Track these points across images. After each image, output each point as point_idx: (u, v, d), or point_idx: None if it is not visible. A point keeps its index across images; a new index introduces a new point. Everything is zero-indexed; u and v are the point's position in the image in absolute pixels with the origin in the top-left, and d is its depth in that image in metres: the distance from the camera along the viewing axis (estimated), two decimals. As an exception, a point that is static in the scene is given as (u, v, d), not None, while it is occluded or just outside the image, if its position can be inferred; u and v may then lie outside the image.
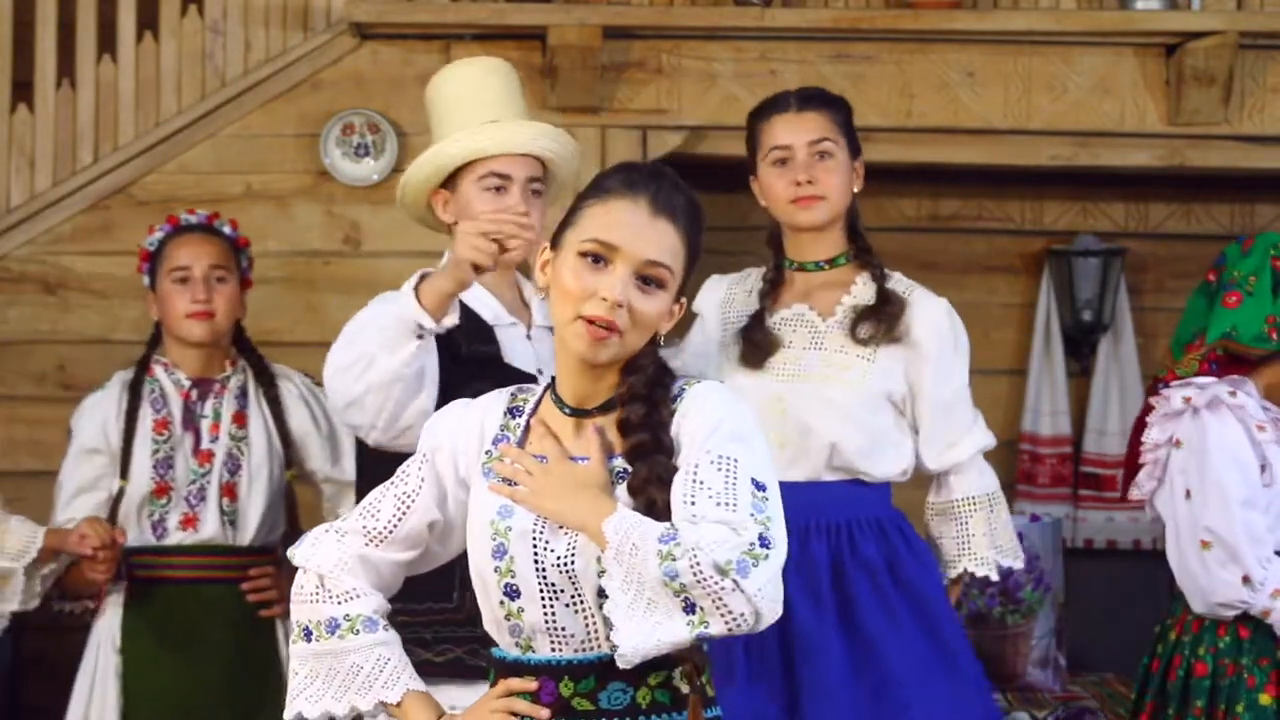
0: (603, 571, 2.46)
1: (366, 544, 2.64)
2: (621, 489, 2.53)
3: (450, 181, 3.68)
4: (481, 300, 3.65)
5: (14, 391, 5.26)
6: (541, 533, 2.53)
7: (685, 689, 2.53)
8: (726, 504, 2.43)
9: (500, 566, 2.54)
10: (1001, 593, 4.82)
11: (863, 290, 3.74)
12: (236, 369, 4.32)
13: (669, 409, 2.56)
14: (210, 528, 4.18)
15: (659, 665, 2.53)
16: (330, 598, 2.62)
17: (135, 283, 5.19)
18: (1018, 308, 5.93)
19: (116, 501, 4.19)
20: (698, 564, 2.37)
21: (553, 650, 2.54)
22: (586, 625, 2.53)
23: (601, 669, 2.52)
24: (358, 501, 2.76)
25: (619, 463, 2.55)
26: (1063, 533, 5.12)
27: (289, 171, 5.36)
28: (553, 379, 2.65)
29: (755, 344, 3.72)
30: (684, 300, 2.61)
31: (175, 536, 4.19)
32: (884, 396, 3.67)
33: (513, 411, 2.65)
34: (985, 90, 5.33)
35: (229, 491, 4.20)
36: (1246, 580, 3.75)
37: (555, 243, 2.60)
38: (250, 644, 4.21)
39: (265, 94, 5.34)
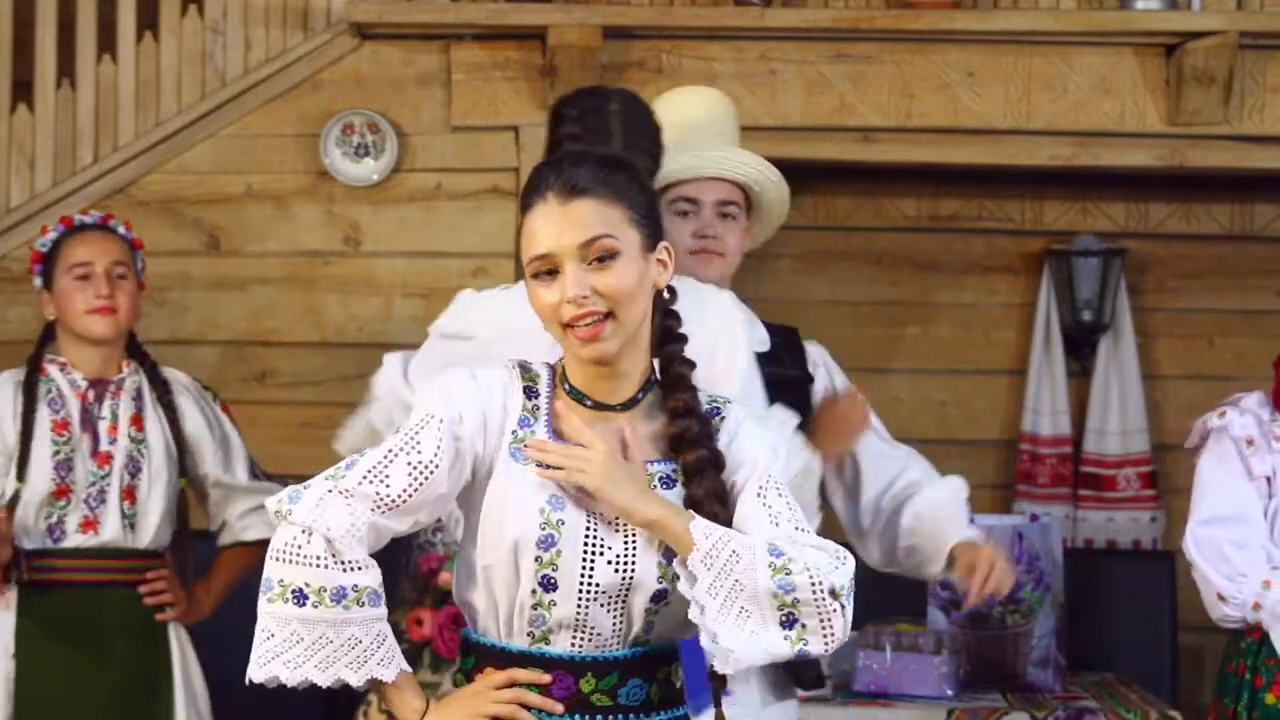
0: (665, 576, 2.48)
1: (375, 511, 2.50)
2: (671, 494, 2.53)
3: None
4: None
5: (14, 391, 5.26)
6: (596, 530, 2.51)
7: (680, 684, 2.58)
8: (803, 531, 2.52)
9: (543, 557, 2.50)
10: (1001, 593, 4.82)
11: None
12: (131, 370, 4.25)
13: (712, 424, 2.59)
14: (111, 530, 4.11)
15: (668, 660, 2.57)
16: (339, 564, 2.47)
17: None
18: (1018, 308, 5.93)
19: (11, 503, 4.09)
20: (818, 583, 2.42)
21: (573, 646, 2.53)
22: (614, 624, 2.52)
23: (625, 666, 2.53)
24: None
25: (656, 468, 2.56)
26: (1063, 533, 5.12)
27: (289, 171, 5.36)
28: (560, 364, 2.62)
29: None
30: (668, 245, 2.59)
31: (74, 539, 4.10)
32: None
33: (528, 392, 2.60)
34: (985, 90, 5.33)
35: (129, 494, 4.13)
36: (1221, 597, 3.81)
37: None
38: (145, 648, 4.17)
39: (265, 94, 5.34)
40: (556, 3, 5.25)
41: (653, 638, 2.56)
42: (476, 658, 2.58)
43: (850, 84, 5.30)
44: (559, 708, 2.52)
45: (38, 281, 4.24)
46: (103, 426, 4.16)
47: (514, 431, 2.56)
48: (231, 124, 5.34)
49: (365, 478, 2.51)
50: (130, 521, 4.13)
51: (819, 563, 2.45)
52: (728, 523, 2.52)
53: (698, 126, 3.75)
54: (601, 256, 2.51)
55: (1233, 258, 5.92)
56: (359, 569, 2.49)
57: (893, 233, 5.91)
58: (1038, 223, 5.94)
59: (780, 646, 2.45)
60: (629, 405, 2.59)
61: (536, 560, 2.50)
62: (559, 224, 2.52)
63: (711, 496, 2.53)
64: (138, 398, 4.22)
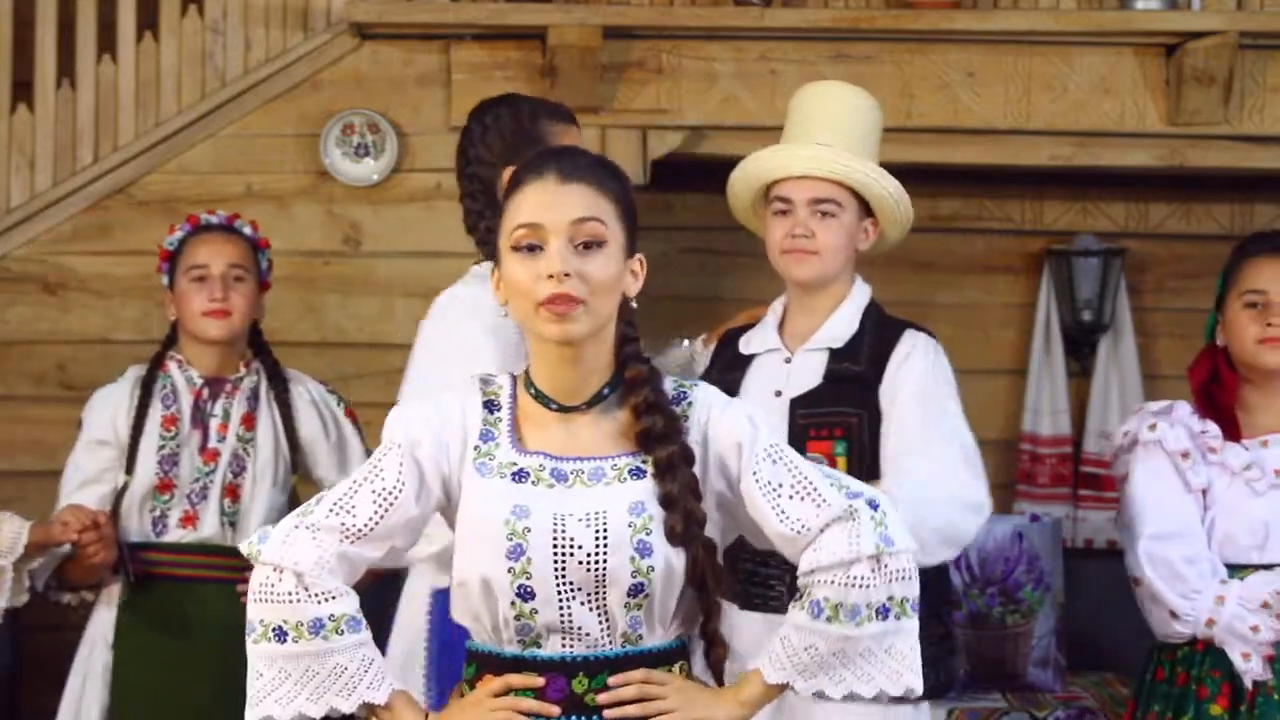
0: (639, 570, 2.49)
1: (343, 541, 2.56)
2: (641, 485, 2.54)
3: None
4: (757, 332, 3.74)
5: (14, 391, 5.26)
6: (564, 530, 2.51)
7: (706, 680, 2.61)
8: (808, 495, 2.56)
9: (515, 567, 2.51)
10: (1001, 593, 4.83)
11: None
12: (250, 370, 4.32)
13: (677, 410, 2.60)
14: (209, 527, 4.18)
15: (673, 657, 2.58)
16: (311, 597, 2.53)
17: (135, 283, 5.21)
18: (1018, 308, 5.92)
19: (120, 495, 4.18)
20: (858, 578, 2.52)
21: (564, 647, 2.53)
22: (600, 622, 2.52)
23: (616, 664, 2.54)
24: None
25: (623, 461, 2.56)
26: (1063, 533, 5.12)
27: (289, 171, 5.36)
28: (524, 371, 2.63)
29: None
30: (642, 258, 2.61)
31: (174, 534, 4.18)
32: None
33: (489, 406, 2.61)
34: (985, 90, 5.33)
35: (231, 492, 4.20)
36: (1174, 615, 3.80)
37: (495, 260, 2.60)
38: (242, 647, 4.19)
39: (265, 94, 5.34)
40: (556, 3, 5.25)
41: (645, 634, 2.55)
42: (477, 665, 2.59)
43: (850, 84, 5.30)
44: (555, 710, 2.52)
45: (164, 280, 4.30)
46: (213, 424, 4.22)
47: (476, 446, 2.58)
48: (231, 124, 5.34)
49: (331, 510, 2.57)
50: (230, 519, 4.18)
51: (838, 550, 2.52)
52: (703, 518, 2.54)
53: (807, 120, 3.74)
54: (589, 242, 2.53)
55: (1233, 258, 5.91)
56: (333, 598, 2.55)
57: (893, 233, 5.91)
58: (1038, 223, 5.93)
59: (908, 629, 2.55)
60: (593, 403, 2.59)
61: (509, 572, 2.51)
62: (554, 199, 2.53)
63: (685, 491, 2.54)
64: (253, 397, 4.27)
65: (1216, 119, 5.29)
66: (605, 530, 2.51)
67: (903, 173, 5.70)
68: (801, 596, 2.56)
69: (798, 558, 2.59)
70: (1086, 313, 5.79)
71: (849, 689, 2.55)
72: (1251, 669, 3.78)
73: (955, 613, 4.84)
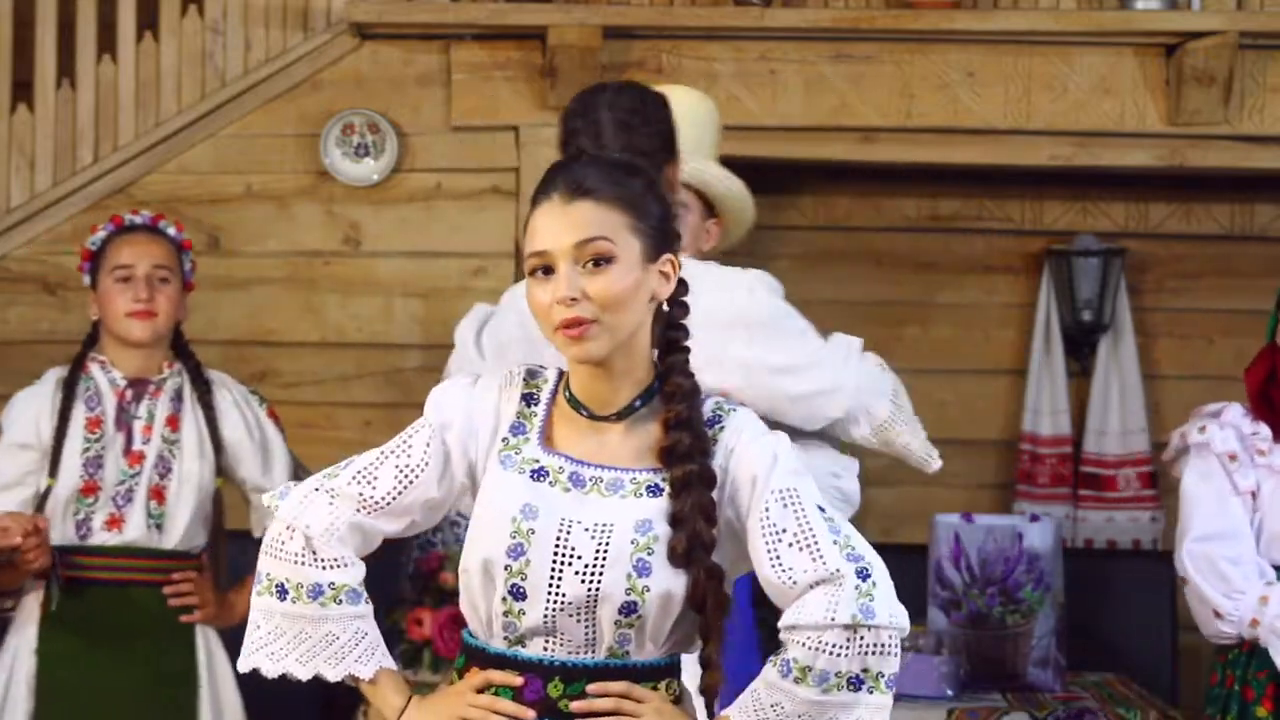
0: (634, 589, 2.47)
1: (359, 511, 2.56)
2: (654, 503, 2.51)
3: None
4: None
5: (14, 391, 5.25)
6: (566, 539, 2.49)
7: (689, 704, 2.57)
8: (807, 547, 2.48)
9: (512, 566, 2.49)
10: (1001, 593, 4.83)
11: None
12: (173, 371, 4.26)
13: (709, 433, 2.56)
14: (135, 529, 4.11)
15: (660, 674, 2.54)
16: (316, 562, 2.54)
17: (135, 283, 5.21)
18: (1018, 308, 5.92)
19: (43, 499, 4.11)
20: (832, 645, 2.44)
21: (545, 650, 2.51)
22: (586, 631, 2.50)
23: (594, 673, 2.51)
24: None
25: (643, 476, 2.54)
26: (1063, 533, 5.12)
27: (289, 171, 5.36)
28: (565, 372, 2.62)
29: None
30: (672, 258, 2.56)
31: (99, 537, 4.11)
32: None
33: (528, 399, 2.59)
34: (985, 90, 5.33)
35: (157, 494, 4.15)
36: (1218, 614, 3.81)
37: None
38: (169, 649, 4.17)
39: (265, 94, 5.34)
40: (556, 3, 5.25)
41: (633, 651, 2.52)
42: (466, 657, 2.59)
43: (850, 84, 5.30)
44: (530, 714, 2.51)
45: (86, 280, 4.26)
46: (137, 426, 4.18)
47: (505, 438, 2.56)
48: (231, 124, 5.34)
49: (354, 479, 2.58)
50: (157, 522, 4.14)
51: (814, 612, 2.45)
52: (711, 541, 2.50)
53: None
54: (595, 260, 2.49)
55: (1233, 258, 5.92)
56: (337, 567, 2.55)
57: (893, 233, 5.91)
58: (1038, 223, 5.93)
59: (879, 704, 2.47)
60: (623, 415, 2.56)
61: (506, 569, 2.49)
62: (559, 223, 2.50)
63: (696, 512, 2.49)
64: (177, 398, 4.23)
65: (1216, 119, 5.29)
66: (607, 544, 2.49)
67: (903, 173, 5.73)
68: (778, 652, 2.51)
69: (784, 609, 2.53)
70: (1086, 313, 5.79)
71: None
72: None
73: (955, 613, 4.84)
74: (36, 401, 4.20)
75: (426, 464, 2.57)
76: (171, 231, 4.28)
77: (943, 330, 5.94)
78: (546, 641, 2.51)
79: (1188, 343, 5.91)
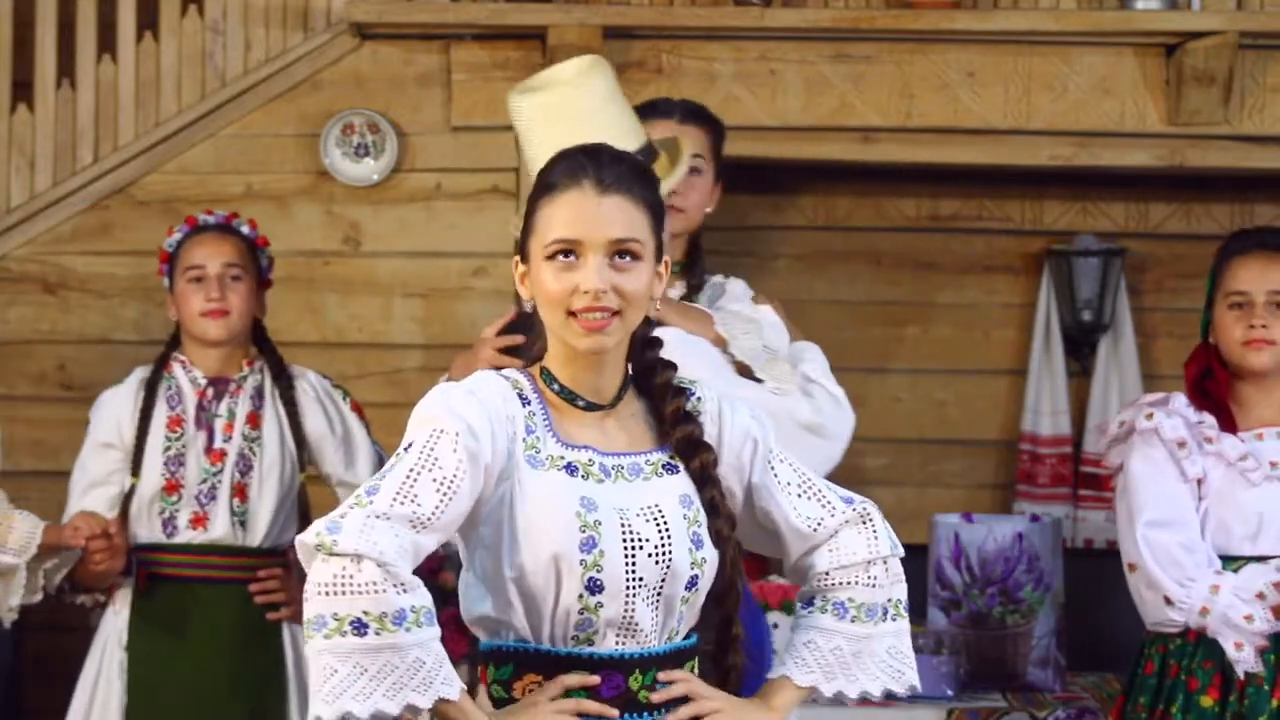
0: (695, 562, 2.55)
1: (414, 530, 2.45)
2: (678, 479, 2.60)
3: None
4: None
5: (14, 391, 5.26)
6: (630, 524, 2.53)
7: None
8: (816, 496, 2.71)
9: (588, 560, 2.50)
10: (1001, 593, 4.83)
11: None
12: (254, 369, 4.32)
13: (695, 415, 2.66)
14: (220, 527, 4.18)
15: (693, 654, 2.62)
16: (396, 587, 2.40)
17: (135, 283, 5.21)
18: (1018, 308, 5.92)
19: (128, 497, 4.20)
20: (878, 581, 2.70)
21: (618, 644, 2.54)
22: (653, 619, 2.54)
23: (662, 661, 2.57)
24: None
25: (656, 456, 2.61)
26: (1063, 533, 5.12)
27: (289, 171, 5.36)
28: (540, 369, 2.63)
29: None
30: (666, 259, 2.63)
31: (185, 535, 4.19)
32: None
33: (522, 399, 2.60)
34: (985, 90, 5.33)
35: (240, 492, 4.20)
36: (1168, 601, 3.81)
37: (523, 254, 2.60)
38: (256, 646, 4.20)
39: (265, 94, 5.34)
40: (556, 3, 5.25)
41: (680, 632, 2.60)
42: (515, 665, 2.56)
43: (850, 84, 5.30)
44: (614, 712, 2.53)
45: (165, 282, 4.30)
46: (218, 424, 4.23)
47: (524, 439, 2.56)
48: (231, 124, 5.34)
49: (395, 499, 2.45)
50: (240, 519, 4.18)
51: (858, 550, 2.68)
52: (735, 521, 2.62)
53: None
54: (624, 255, 2.55)
55: (1233, 258, 5.91)
56: (413, 590, 2.44)
57: (893, 233, 5.91)
58: (1038, 223, 5.93)
59: (901, 626, 2.71)
60: (616, 401, 2.62)
61: (581, 564, 2.50)
62: (593, 215, 2.54)
63: (721, 495, 2.62)
64: (257, 395, 4.27)
65: (1216, 119, 5.29)
66: (665, 523, 2.54)
67: (903, 173, 5.73)
68: (816, 599, 2.68)
69: (802, 557, 2.70)
70: (1086, 313, 5.79)
71: (861, 688, 2.65)
72: (1244, 659, 3.80)
73: (955, 613, 4.84)
74: (119, 401, 4.27)
75: (463, 473, 2.48)
76: (245, 229, 4.35)
77: (943, 330, 5.94)
78: (619, 636, 2.54)
79: (1188, 343, 5.86)
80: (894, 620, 2.69)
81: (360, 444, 4.34)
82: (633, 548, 2.52)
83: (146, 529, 4.18)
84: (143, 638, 4.16)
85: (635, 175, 2.59)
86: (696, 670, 2.63)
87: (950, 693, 4.60)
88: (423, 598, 2.44)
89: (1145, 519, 3.87)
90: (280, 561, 4.22)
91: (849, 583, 2.66)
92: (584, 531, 2.50)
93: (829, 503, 2.70)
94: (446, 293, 5.30)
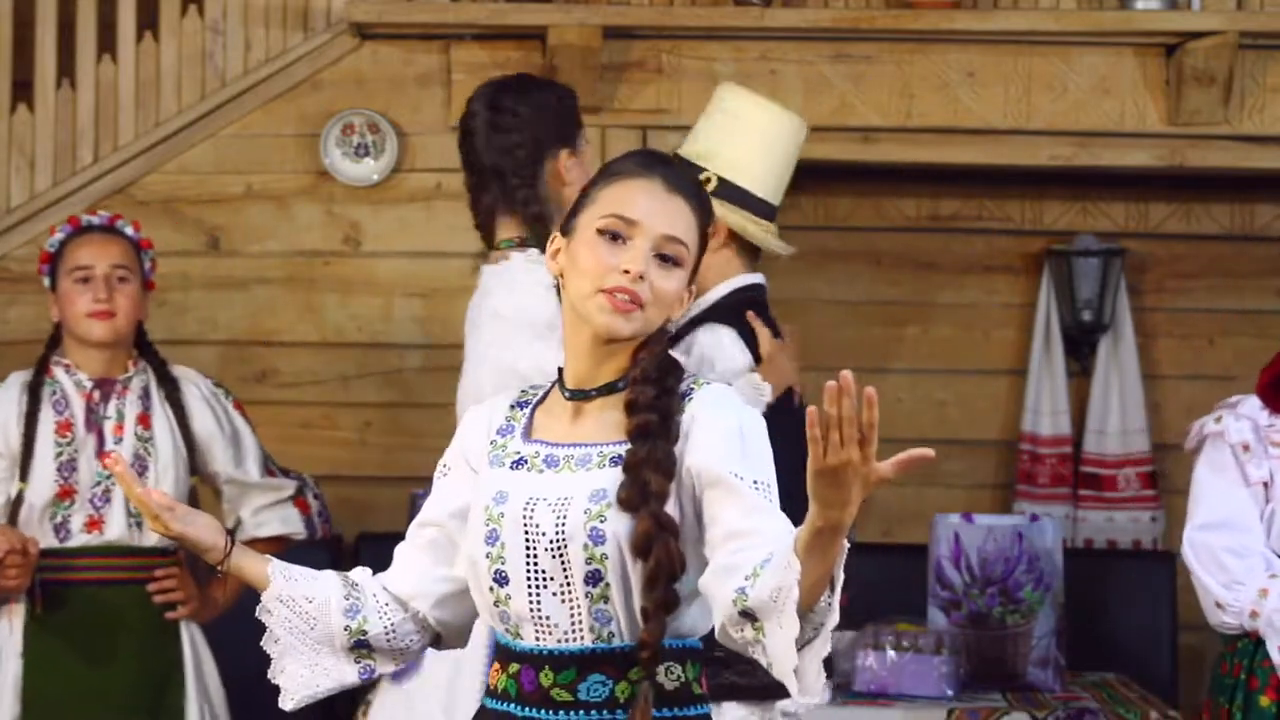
0: (592, 557, 2.48)
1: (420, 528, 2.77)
2: (614, 471, 2.51)
3: None
4: None
5: (14, 391, 5.26)
6: (532, 517, 2.52)
7: (672, 686, 2.52)
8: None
9: (492, 553, 2.53)
10: (1001, 593, 4.83)
11: None
12: (138, 369, 4.25)
13: (678, 401, 2.55)
14: (116, 529, 4.11)
15: (657, 659, 2.51)
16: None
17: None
18: (1018, 308, 5.92)
19: (16, 504, 4.11)
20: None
21: (536, 639, 2.53)
22: (571, 615, 2.51)
23: (582, 660, 2.51)
24: None
25: (609, 449, 2.54)
26: (1063, 533, 5.12)
27: (289, 171, 5.36)
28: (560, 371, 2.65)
29: None
30: (693, 287, 2.62)
31: (80, 538, 4.11)
32: None
33: (520, 405, 2.65)
34: (985, 90, 5.33)
35: None
36: (1219, 605, 3.81)
37: (566, 230, 2.60)
38: (155, 647, 4.17)
39: (265, 94, 5.34)
40: (556, 3, 5.25)
41: (616, 632, 2.51)
42: (491, 653, 2.68)
43: (850, 84, 5.30)
44: None
45: (45, 282, 4.25)
46: (108, 426, 4.16)
47: (493, 440, 2.63)
48: (231, 124, 5.34)
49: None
50: (137, 520, 4.12)
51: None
52: (662, 491, 2.46)
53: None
54: (669, 258, 2.56)
55: (1233, 258, 5.91)
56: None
57: (893, 233, 5.91)
58: (1038, 223, 5.93)
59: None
60: (603, 392, 2.58)
61: (488, 557, 2.54)
62: (661, 206, 2.56)
63: (651, 464, 2.48)
64: (145, 396, 4.22)
65: (1216, 119, 5.29)
66: (565, 516, 2.50)
67: (903, 173, 5.73)
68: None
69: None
70: (1086, 313, 5.79)
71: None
72: None
73: (955, 613, 4.84)
74: (2, 407, 4.18)
75: (447, 479, 2.69)
76: (129, 231, 4.26)
77: (943, 330, 5.94)
78: (536, 630, 2.53)
79: (1188, 343, 5.91)
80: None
81: (248, 443, 4.31)
82: (532, 540, 2.51)
83: (38, 535, 4.09)
84: (42, 643, 4.09)
85: (699, 192, 2.63)
86: (679, 679, 2.53)
87: (950, 693, 4.59)
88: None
89: (1196, 522, 3.89)
90: (175, 561, 4.19)
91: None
92: (488, 525, 2.54)
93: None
94: (446, 293, 5.29)
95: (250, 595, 2.72)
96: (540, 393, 2.67)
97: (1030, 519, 4.96)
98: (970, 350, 5.93)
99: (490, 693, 2.60)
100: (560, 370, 2.64)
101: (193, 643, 4.21)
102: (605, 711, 2.51)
